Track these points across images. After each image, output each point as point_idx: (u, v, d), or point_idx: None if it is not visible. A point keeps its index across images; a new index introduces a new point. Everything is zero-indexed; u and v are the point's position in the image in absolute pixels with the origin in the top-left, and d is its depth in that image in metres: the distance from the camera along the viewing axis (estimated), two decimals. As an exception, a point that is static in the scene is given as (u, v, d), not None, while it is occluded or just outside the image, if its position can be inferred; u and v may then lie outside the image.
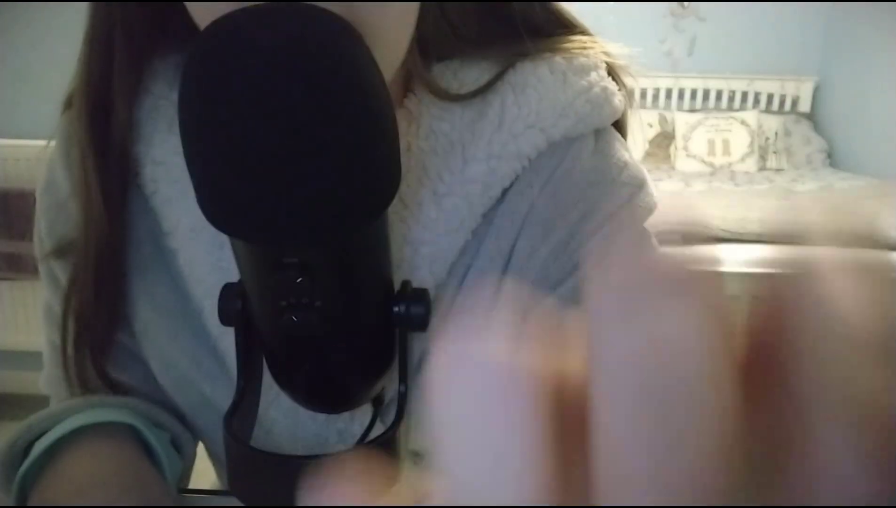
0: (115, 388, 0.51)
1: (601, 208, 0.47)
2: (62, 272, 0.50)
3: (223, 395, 0.49)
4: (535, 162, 0.46)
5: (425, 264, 0.45)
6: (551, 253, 0.48)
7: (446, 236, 0.45)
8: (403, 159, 0.42)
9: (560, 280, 0.48)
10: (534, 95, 0.46)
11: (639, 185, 0.49)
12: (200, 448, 0.65)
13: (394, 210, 0.44)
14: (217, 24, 0.28)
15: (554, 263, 0.48)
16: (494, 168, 0.45)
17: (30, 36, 2.01)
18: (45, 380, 0.55)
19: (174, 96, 0.45)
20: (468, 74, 0.46)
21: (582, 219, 0.47)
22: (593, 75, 0.47)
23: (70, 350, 0.49)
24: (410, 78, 0.46)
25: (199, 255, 0.47)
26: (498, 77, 0.46)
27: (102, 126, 0.45)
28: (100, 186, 0.45)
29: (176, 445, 0.53)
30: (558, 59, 0.47)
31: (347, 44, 0.29)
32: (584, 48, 0.48)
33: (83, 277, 0.47)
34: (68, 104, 0.48)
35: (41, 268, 0.52)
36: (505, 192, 0.46)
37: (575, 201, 0.47)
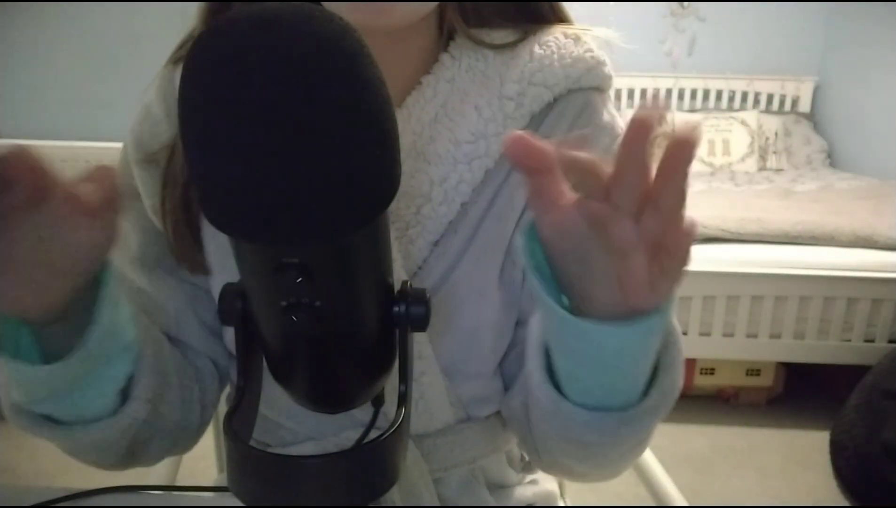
0: (197, 259, 0.58)
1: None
2: (141, 175, 0.58)
3: None
4: (560, 102, 0.58)
5: (466, 159, 0.56)
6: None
7: (484, 139, 0.56)
8: (448, 85, 0.58)
9: None
10: (554, 45, 0.59)
11: None
12: (200, 447, 0.65)
13: (441, 122, 0.57)
14: (217, 25, 0.29)
15: None
16: (525, 90, 0.57)
17: (32, 37, 2.01)
18: None
19: None
20: (497, 35, 0.60)
21: None
22: (594, 45, 0.60)
23: (170, 236, 0.57)
24: (453, 34, 0.59)
25: None
26: (523, 37, 0.59)
27: None
28: None
29: (127, 389, 0.49)
30: (568, 30, 0.60)
31: (347, 44, 0.29)
32: (586, 30, 0.61)
33: (177, 156, 0.56)
34: (170, 61, 0.60)
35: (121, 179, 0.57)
36: (534, 118, 0.57)
37: (591, 146, 0.57)
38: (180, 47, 0.60)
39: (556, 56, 0.57)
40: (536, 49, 0.58)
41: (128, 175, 0.59)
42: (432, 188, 0.56)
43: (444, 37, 0.59)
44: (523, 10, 0.60)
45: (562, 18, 0.61)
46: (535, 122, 0.58)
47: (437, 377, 0.59)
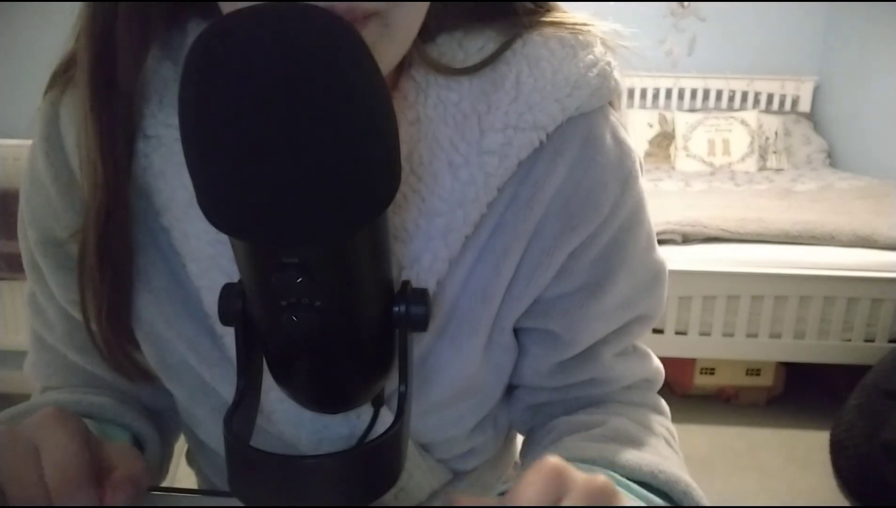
0: (138, 366, 0.50)
1: (623, 207, 0.49)
2: (44, 262, 0.49)
3: (222, 379, 0.48)
4: (555, 138, 0.47)
5: (440, 234, 0.45)
6: (574, 251, 0.49)
7: (461, 207, 0.45)
8: (413, 130, 0.45)
9: (585, 283, 0.50)
10: (548, 67, 0.46)
11: (637, 175, 0.50)
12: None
13: (407, 182, 0.45)
14: (217, 24, 0.28)
15: (574, 260, 0.49)
16: (511, 138, 0.46)
17: (30, 36, 2.01)
18: (27, 365, 0.57)
19: (162, 69, 0.44)
20: (472, 44, 0.47)
21: (604, 221, 0.49)
22: (597, 51, 0.48)
23: (94, 327, 0.47)
24: (415, 50, 0.46)
25: (195, 230, 0.45)
26: (504, 48, 0.46)
27: (104, 99, 0.43)
28: (102, 162, 0.43)
29: (139, 444, 0.52)
30: (565, 34, 0.48)
31: (347, 44, 0.29)
32: (585, 25, 0.49)
33: (91, 257, 0.45)
34: (51, 85, 0.47)
35: (24, 257, 0.51)
36: (521, 164, 0.46)
37: (599, 198, 0.48)
38: (64, 71, 0.47)
39: (549, 86, 0.46)
40: (525, 75, 0.46)
41: (30, 249, 0.50)
42: (402, 273, 0.45)
43: (406, 54, 0.46)
44: (501, 7, 0.48)
45: (549, 8, 0.49)
46: (524, 167, 0.46)
47: (416, 458, 0.54)
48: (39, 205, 0.48)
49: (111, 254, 0.45)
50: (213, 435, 0.38)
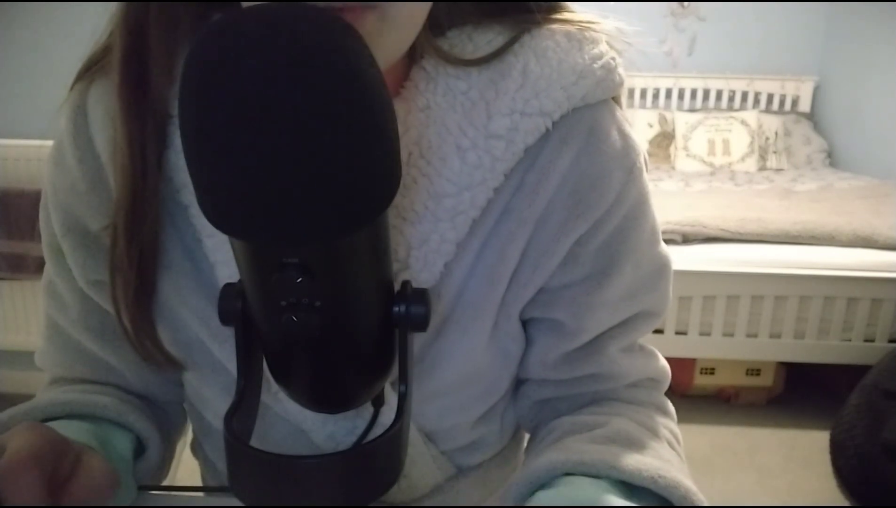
0: (164, 351, 0.51)
1: (628, 196, 0.50)
2: (65, 242, 0.50)
3: (232, 354, 0.48)
4: (561, 127, 0.48)
5: (447, 216, 0.47)
6: (580, 238, 0.49)
7: (469, 190, 0.47)
8: (423, 116, 0.47)
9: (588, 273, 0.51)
10: (554, 57, 0.48)
11: (641, 169, 0.52)
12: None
13: (416, 165, 0.46)
14: (217, 24, 0.29)
15: (581, 248, 0.50)
16: (517, 123, 0.47)
17: (30, 36, 2.01)
18: (38, 355, 0.57)
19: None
20: (482, 38, 0.48)
21: (610, 208, 0.49)
22: (602, 46, 0.49)
23: (123, 313, 0.48)
24: (426, 42, 0.48)
25: None
26: (513, 41, 0.48)
27: (138, 93, 0.44)
28: (135, 143, 0.44)
29: (141, 444, 0.52)
30: (571, 29, 0.49)
31: (347, 44, 0.29)
32: (591, 23, 0.51)
33: (121, 243, 0.46)
34: (80, 76, 0.49)
35: (45, 243, 0.52)
36: (528, 151, 0.48)
37: (605, 185, 0.49)
38: (96, 61, 0.49)
39: (555, 74, 0.47)
40: (532, 64, 0.47)
41: (51, 232, 0.51)
42: (410, 254, 0.47)
43: (418, 46, 0.48)
44: (510, 5, 0.50)
45: (556, 7, 0.50)
46: (531, 155, 0.48)
47: (420, 447, 0.55)
48: (64, 187, 0.49)
49: (140, 239, 0.46)
50: (221, 417, 0.39)
